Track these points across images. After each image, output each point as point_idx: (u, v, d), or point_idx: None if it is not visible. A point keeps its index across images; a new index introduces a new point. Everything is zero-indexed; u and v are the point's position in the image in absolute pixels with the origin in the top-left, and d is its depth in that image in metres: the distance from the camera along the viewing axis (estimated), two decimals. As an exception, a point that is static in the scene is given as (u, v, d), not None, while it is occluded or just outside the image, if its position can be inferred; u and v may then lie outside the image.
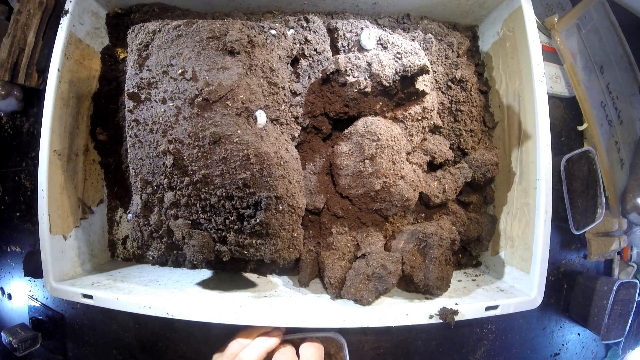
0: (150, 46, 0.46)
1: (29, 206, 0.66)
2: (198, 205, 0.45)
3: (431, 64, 0.55)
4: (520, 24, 0.52)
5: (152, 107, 0.45)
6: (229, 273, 0.57)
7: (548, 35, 0.66)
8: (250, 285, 0.54)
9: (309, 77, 0.53)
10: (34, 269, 0.64)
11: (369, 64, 0.48)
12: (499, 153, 0.57)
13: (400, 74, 0.48)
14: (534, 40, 0.50)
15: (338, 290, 0.49)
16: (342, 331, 0.62)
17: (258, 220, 0.43)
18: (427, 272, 0.49)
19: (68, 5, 0.52)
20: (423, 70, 0.47)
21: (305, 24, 0.53)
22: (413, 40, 0.56)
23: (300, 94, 0.52)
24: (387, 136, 0.48)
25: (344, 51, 0.53)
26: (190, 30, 0.44)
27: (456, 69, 0.56)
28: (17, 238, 0.67)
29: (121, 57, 0.60)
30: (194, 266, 0.58)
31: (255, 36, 0.45)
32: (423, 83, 0.49)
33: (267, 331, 0.43)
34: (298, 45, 0.52)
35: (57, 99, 0.51)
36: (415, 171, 0.52)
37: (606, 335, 0.66)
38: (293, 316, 0.44)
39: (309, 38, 0.52)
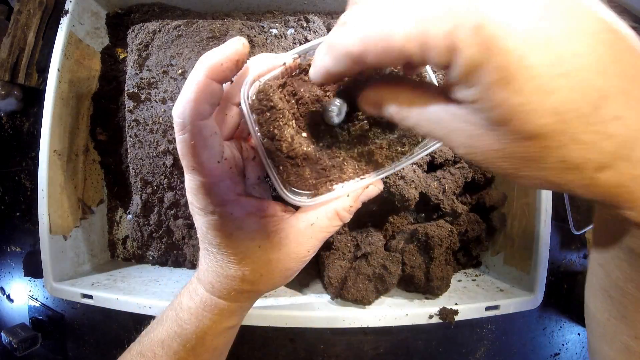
0: (150, 46, 0.46)
1: (29, 206, 0.66)
2: (198, 205, 0.45)
3: (431, 64, 0.55)
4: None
5: (152, 107, 0.45)
6: (229, 273, 0.57)
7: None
8: (250, 285, 0.54)
9: (309, 77, 0.53)
10: (34, 269, 0.64)
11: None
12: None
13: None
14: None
15: (338, 290, 0.49)
16: (342, 331, 0.62)
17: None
18: (427, 272, 0.49)
19: (68, 5, 0.52)
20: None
21: (305, 24, 0.53)
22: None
23: (300, 94, 0.52)
24: (387, 136, 0.48)
25: (344, 51, 0.53)
26: (190, 30, 0.44)
27: (456, 69, 0.56)
28: (17, 238, 0.67)
29: (121, 57, 0.60)
30: (193, 266, 0.58)
31: (255, 36, 0.45)
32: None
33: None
34: (298, 45, 0.52)
35: (57, 99, 0.51)
36: (415, 171, 0.52)
37: (606, 335, 0.65)
38: (293, 316, 0.44)
39: (309, 38, 0.52)
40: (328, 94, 0.25)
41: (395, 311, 0.46)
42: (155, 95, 0.45)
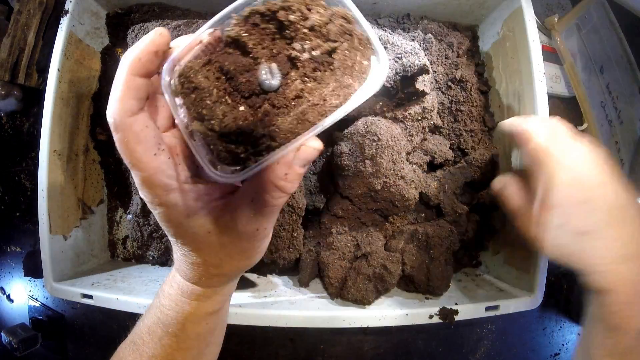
0: (150, 46, 0.46)
1: (29, 206, 0.66)
2: (198, 205, 0.45)
3: (431, 64, 0.55)
4: (520, 24, 0.52)
5: (152, 107, 0.45)
6: (229, 273, 0.57)
7: (548, 35, 0.66)
8: (250, 285, 0.54)
9: (309, 77, 0.53)
10: (34, 269, 0.64)
11: (369, 64, 0.48)
12: (499, 153, 0.57)
13: (400, 74, 0.48)
14: (534, 40, 0.50)
15: (338, 290, 0.49)
16: (342, 331, 0.62)
17: (258, 220, 0.42)
18: (427, 272, 0.49)
19: (68, 5, 0.52)
20: (423, 70, 0.47)
21: (305, 24, 0.53)
22: (413, 40, 0.56)
23: (300, 94, 0.52)
24: (387, 136, 0.48)
25: (344, 51, 0.53)
26: (190, 31, 0.44)
27: (456, 69, 0.56)
28: (17, 238, 0.67)
29: (121, 57, 0.60)
30: (194, 266, 0.58)
31: (255, 36, 0.45)
32: (423, 83, 0.49)
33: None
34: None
35: (57, 99, 0.51)
36: (415, 171, 0.52)
37: (606, 335, 0.65)
38: (293, 316, 0.44)
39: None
40: (258, 60, 0.23)
41: (395, 311, 0.46)
42: (155, 95, 0.45)
